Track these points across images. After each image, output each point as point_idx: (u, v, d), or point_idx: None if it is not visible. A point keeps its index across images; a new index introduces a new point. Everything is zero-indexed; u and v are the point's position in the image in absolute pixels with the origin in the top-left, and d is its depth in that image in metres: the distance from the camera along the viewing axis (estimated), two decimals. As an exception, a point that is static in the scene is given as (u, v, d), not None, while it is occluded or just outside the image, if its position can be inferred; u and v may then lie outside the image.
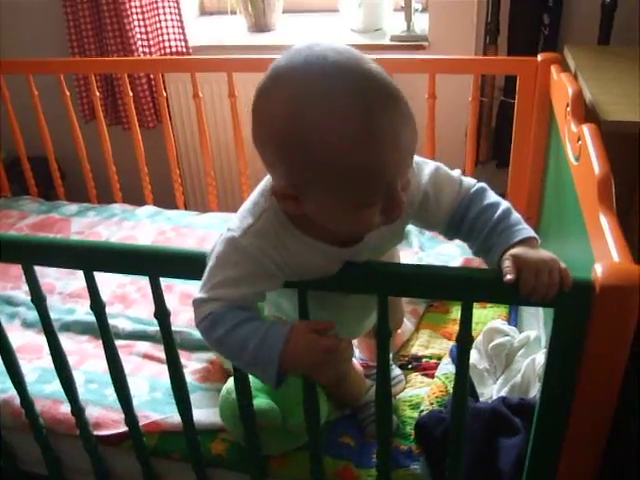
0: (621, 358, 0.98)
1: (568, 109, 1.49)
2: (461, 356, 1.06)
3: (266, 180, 1.04)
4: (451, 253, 1.95)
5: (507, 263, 0.96)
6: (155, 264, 1.16)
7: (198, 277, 1.06)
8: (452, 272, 1.03)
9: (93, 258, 1.19)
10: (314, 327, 0.99)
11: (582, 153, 1.29)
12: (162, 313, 1.22)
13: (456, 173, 1.11)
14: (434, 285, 1.02)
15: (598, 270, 0.94)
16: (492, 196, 1.08)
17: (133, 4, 2.54)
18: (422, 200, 1.07)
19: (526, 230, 1.01)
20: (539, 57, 1.87)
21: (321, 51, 0.87)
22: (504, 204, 1.06)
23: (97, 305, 1.25)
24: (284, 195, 0.94)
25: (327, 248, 1.02)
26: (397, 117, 0.86)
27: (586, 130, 1.31)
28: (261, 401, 1.32)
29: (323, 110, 0.84)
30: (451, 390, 1.39)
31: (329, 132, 0.84)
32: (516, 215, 1.04)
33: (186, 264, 1.13)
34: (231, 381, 1.39)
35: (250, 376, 1.25)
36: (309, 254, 1.02)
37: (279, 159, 0.90)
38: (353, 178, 0.86)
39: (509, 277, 0.94)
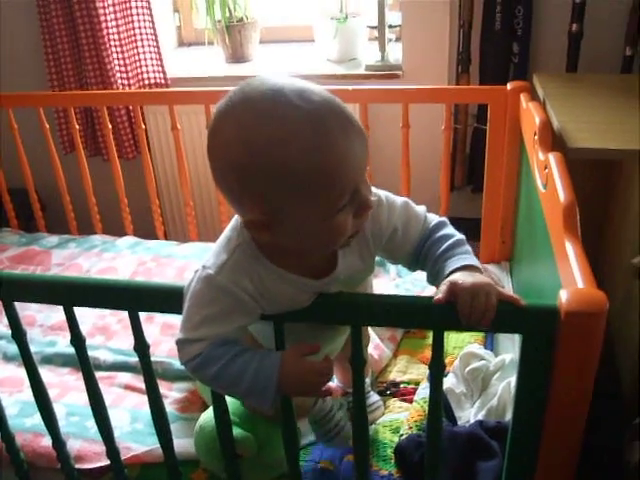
0: (588, 382, 1.00)
1: (536, 137, 1.53)
2: (434, 384, 1.09)
3: (237, 216, 1.07)
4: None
5: (442, 287, 1.00)
6: (134, 299, 1.18)
7: (177, 311, 1.08)
8: (423, 302, 1.06)
9: (73, 294, 1.20)
10: (303, 351, 1.03)
11: (548, 181, 1.33)
12: (142, 346, 1.24)
13: (421, 209, 1.16)
14: (405, 315, 1.05)
15: (563, 296, 0.96)
16: (448, 229, 1.13)
17: (112, 37, 2.57)
18: (391, 234, 1.13)
19: (470, 259, 1.06)
20: (508, 86, 1.92)
21: (256, 81, 0.93)
22: (457, 236, 1.11)
23: (77, 339, 1.27)
24: (257, 226, 0.96)
25: (299, 280, 1.05)
26: (343, 120, 0.92)
27: (552, 159, 1.35)
28: (237, 431, 1.33)
29: (275, 127, 0.88)
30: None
31: (288, 145, 0.88)
32: (466, 247, 1.09)
33: (165, 298, 1.14)
34: (204, 415, 1.41)
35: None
36: (282, 286, 1.05)
37: (246, 190, 0.93)
38: (321, 183, 0.90)
39: (437, 297, 0.98)
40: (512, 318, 1.01)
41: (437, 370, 1.07)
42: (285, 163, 0.88)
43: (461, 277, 1.00)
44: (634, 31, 2.09)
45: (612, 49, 2.16)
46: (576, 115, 1.72)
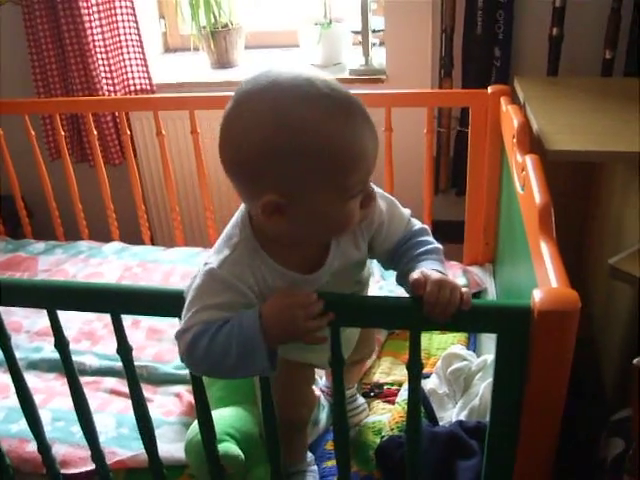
0: (562, 379, 1.02)
1: (514, 140, 1.55)
2: (412, 384, 1.10)
3: (239, 213, 1.10)
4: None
5: (415, 272, 1.03)
6: (116, 302, 1.18)
7: (159, 313, 1.09)
8: (399, 302, 1.07)
9: (55, 297, 1.21)
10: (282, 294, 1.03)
11: (526, 183, 1.35)
12: (124, 349, 1.24)
13: (407, 211, 1.20)
14: (382, 315, 1.06)
15: (536, 296, 0.98)
16: (429, 236, 1.17)
17: (97, 44, 2.58)
18: (377, 227, 1.16)
19: (441, 268, 1.08)
20: (489, 89, 1.94)
21: (277, 70, 0.98)
22: (435, 244, 1.15)
23: (61, 343, 1.27)
24: (272, 210, 0.98)
25: (294, 276, 1.08)
26: (363, 113, 0.98)
27: (529, 161, 1.37)
28: (227, 445, 1.34)
29: (309, 111, 0.93)
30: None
31: (320, 129, 0.93)
32: (441, 257, 1.13)
33: (147, 301, 1.15)
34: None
35: (217, 419, 1.28)
36: (279, 281, 1.07)
37: (272, 170, 0.95)
38: (345, 167, 0.96)
39: (415, 276, 1.01)
40: (487, 317, 1.03)
41: (415, 370, 1.09)
42: (316, 145, 0.93)
43: (430, 271, 1.03)
44: (613, 34, 2.11)
45: (592, 52, 2.18)
46: (555, 118, 1.74)
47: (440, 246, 1.15)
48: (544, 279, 1.08)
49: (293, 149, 0.93)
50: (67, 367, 1.31)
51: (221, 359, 1.03)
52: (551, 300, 0.97)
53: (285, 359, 1.23)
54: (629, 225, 1.81)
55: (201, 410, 1.24)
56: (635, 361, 0.83)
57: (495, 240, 2.09)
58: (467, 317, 1.01)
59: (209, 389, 1.57)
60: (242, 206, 1.10)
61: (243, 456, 1.37)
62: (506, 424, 1.09)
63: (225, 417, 1.44)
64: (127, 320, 1.79)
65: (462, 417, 1.49)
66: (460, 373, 1.58)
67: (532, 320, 0.97)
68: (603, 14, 2.12)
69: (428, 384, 1.61)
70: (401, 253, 1.15)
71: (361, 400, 1.64)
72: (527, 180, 1.33)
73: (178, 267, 2.26)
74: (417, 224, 1.20)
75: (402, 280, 1.12)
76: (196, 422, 1.41)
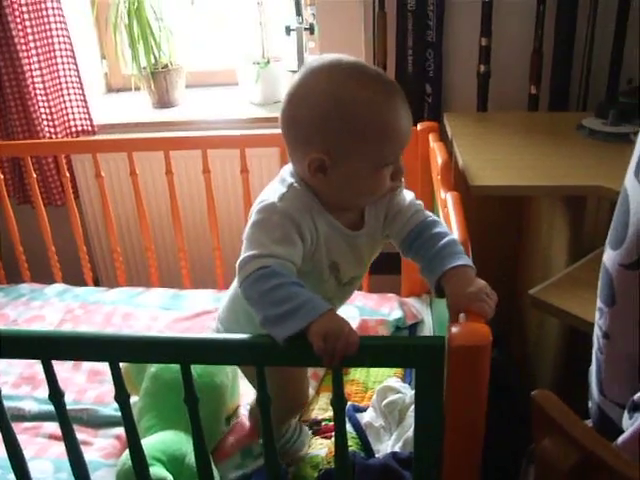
0: (478, 411, 1.05)
1: (439, 177, 1.61)
2: (337, 419, 1.14)
3: (286, 167, 1.25)
4: (350, 314, 2.02)
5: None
6: (46, 348, 1.19)
7: (88, 359, 1.09)
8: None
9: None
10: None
11: (446, 220, 1.40)
12: (56, 395, 1.24)
13: (420, 201, 1.34)
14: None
15: (451, 331, 1.02)
16: (443, 227, 1.29)
17: (37, 86, 2.59)
18: (390, 206, 1.30)
19: (464, 259, 1.16)
20: (419, 126, 2.00)
21: (344, 55, 1.17)
22: (451, 235, 1.24)
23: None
24: (316, 168, 1.15)
25: (340, 226, 1.23)
26: (404, 98, 1.18)
27: (449, 198, 1.42)
28: (155, 469, 1.35)
29: (357, 89, 1.12)
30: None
31: (368, 103, 1.12)
32: (459, 247, 1.20)
33: (76, 345, 1.17)
34: (127, 452, 1.42)
35: (146, 444, 1.29)
36: (326, 228, 1.21)
37: (319, 132, 1.14)
38: (384, 137, 1.14)
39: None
40: (405, 352, 1.07)
41: (338, 405, 1.13)
42: (360, 117, 1.12)
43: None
44: (537, 71, 2.20)
45: (519, 88, 2.26)
46: (480, 153, 1.81)
47: (454, 236, 1.25)
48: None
49: (341, 118, 1.11)
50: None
51: (278, 302, 1.07)
52: (464, 335, 1.01)
53: None
54: (555, 254, 1.88)
55: (132, 439, 1.25)
56: (533, 393, 0.87)
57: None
58: (384, 353, 1.05)
59: (139, 422, 1.58)
60: (285, 167, 1.26)
61: (172, 477, 1.39)
62: (429, 455, 1.12)
63: (152, 443, 1.46)
64: (68, 362, 1.77)
65: (397, 449, 1.52)
66: (394, 405, 1.61)
67: (446, 354, 1.01)
68: (526, 52, 2.21)
69: (365, 417, 1.64)
70: (419, 245, 1.25)
71: (306, 430, 1.65)
72: (447, 217, 1.38)
73: (119, 308, 2.26)
74: (429, 214, 1.31)
75: (428, 274, 1.20)
76: (126, 451, 1.42)
